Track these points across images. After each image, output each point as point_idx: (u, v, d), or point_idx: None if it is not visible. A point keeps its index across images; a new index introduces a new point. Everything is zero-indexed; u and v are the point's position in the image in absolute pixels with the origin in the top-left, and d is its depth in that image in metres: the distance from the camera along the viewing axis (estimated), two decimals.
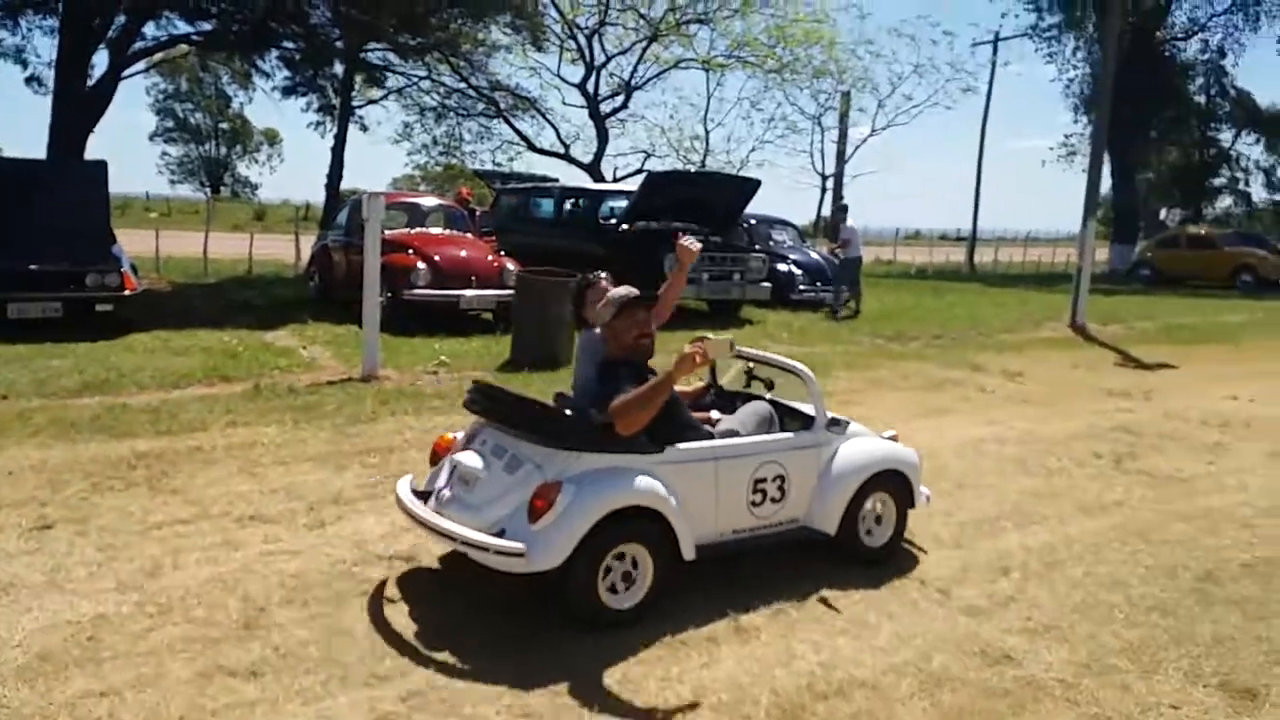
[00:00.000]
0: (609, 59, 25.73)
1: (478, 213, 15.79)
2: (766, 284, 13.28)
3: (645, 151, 27.77)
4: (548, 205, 14.98)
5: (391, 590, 3.87)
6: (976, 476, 5.91)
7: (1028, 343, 12.38)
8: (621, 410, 3.50)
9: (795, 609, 3.84)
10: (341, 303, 11.03)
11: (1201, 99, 40.09)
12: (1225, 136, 42.98)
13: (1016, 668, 3.46)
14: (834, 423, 4.27)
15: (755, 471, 3.92)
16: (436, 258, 10.70)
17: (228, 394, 7.13)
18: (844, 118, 28.45)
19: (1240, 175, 44.60)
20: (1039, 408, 8.17)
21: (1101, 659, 3.55)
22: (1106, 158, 33.99)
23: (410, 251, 10.81)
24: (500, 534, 3.42)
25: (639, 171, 26.42)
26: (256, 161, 74.86)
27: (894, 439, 4.57)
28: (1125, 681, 3.39)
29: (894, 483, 4.34)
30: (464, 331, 10.27)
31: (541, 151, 26.63)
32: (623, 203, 13.46)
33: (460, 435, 4.06)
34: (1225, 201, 46.69)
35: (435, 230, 12.23)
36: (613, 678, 3.23)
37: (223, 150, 73.38)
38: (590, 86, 25.39)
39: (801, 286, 14.76)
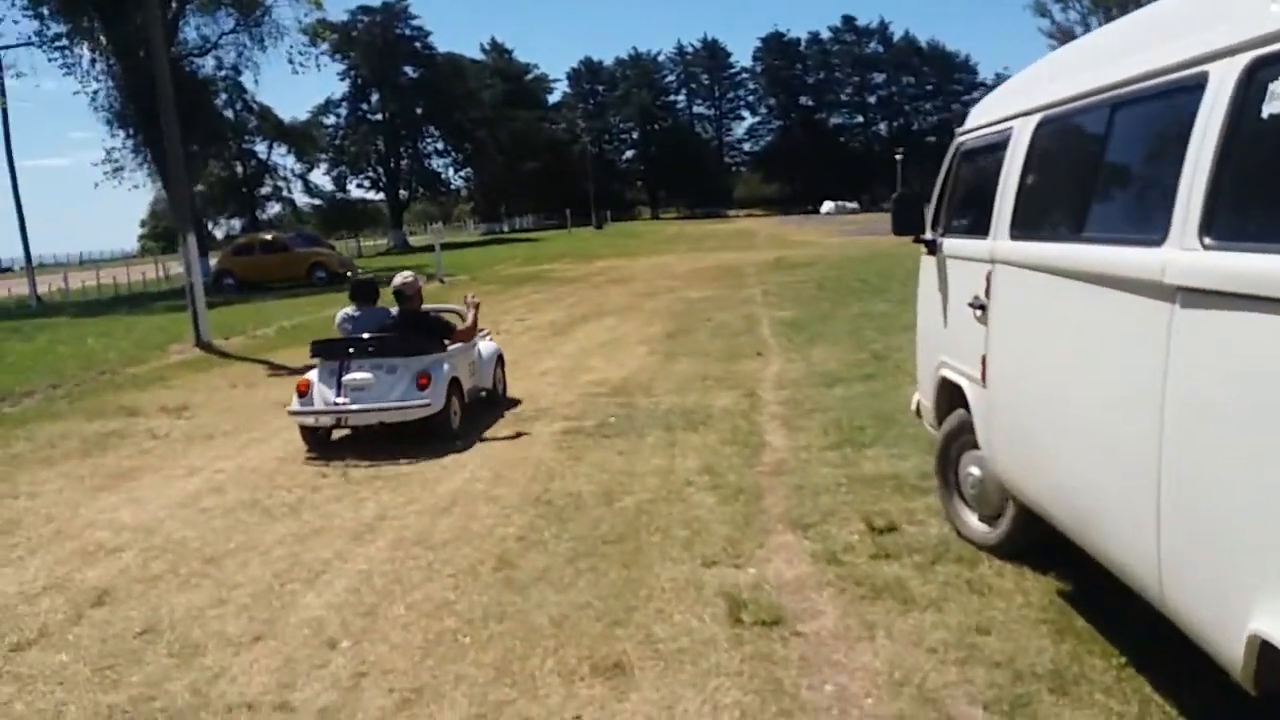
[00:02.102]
0: None
1: None
2: None
3: None
4: None
5: None
6: (225, 543, 4.94)
7: (165, 372, 11.19)
8: (466, 334, 7.49)
9: None
10: None
11: (230, 114, 42.14)
12: (261, 149, 46.66)
13: None
14: (481, 333, 8.09)
15: (469, 359, 7.57)
16: None
17: None
18: None
19: (282, 184, 49.26)
20: (228, 439, 7.38)
21: (484, 699, 3.25)
22: (157, 172, 33.23)
23: None
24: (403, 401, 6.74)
25: None
26: None
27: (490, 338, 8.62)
28: (520, 711, 3.16)
29: (500, 362, 8.36)
30: None
31: None
32: None
33: (314, 375, 6.93)
34: (275, 208, 50.99)
35: None
36: None
37: None
38: None
39: None
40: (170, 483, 6.17)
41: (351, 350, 6.87)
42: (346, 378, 6.74)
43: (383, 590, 4.21)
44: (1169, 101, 2.62)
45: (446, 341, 7.26)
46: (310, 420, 6.84)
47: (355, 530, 5.03)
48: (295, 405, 6.86)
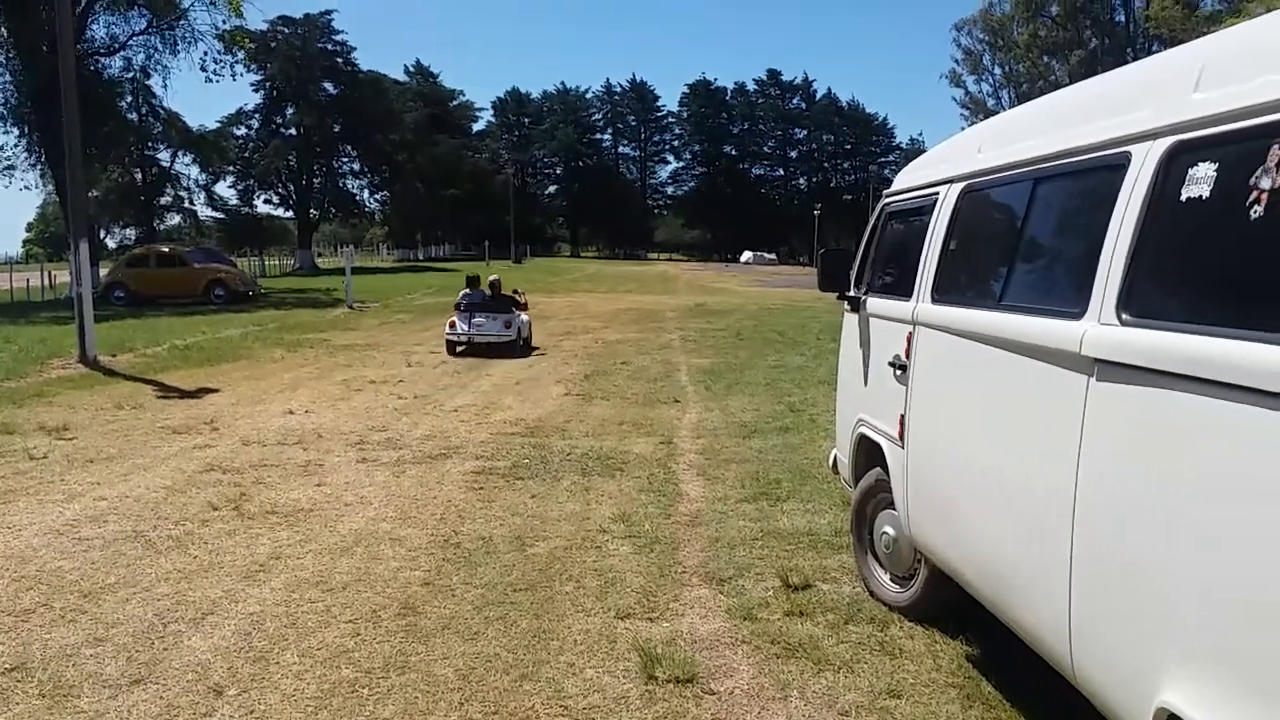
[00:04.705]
0: None
1: None
2: None
3: None
4: None
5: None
6: (105, 577, 4.59)
7: (45, 388, 10.47)
8: (523, 308, 14.89)
9: None
10: None
11: (134, 117, 40.37)
12: (164, 156, 44.65)
13: None
14: (523, 307, 15.11)
15: (522, 319, 14.63)
16: None
17: None
18: None
19: (184, 194, 47.19)
20: (111, 464, 6.91)
21: None
22: (50, 174, 31.51)
23: None
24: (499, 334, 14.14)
25: None
26: None
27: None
28: None
29: (529, 325, 15.10)
30: None
31: None
32: None
33: (458, 318, 14.04)
34: (175, 219, 48.84)
35: None
36: None
37: None
38: None
39: None
40: (46, 508, 5.73)
41: (469, 309, 14.08)
42: (473, 320, 13.90)
43: (275, 635, 3.96)
44: (1091, 179, 2.71)
45: (514, 309, 14.32)
46: (455, 339, 13.81)
47: (247, 569, 4.74)
48: (447, 332, 13.98)
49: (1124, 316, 2.34)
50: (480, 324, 13.88)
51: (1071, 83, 3.80)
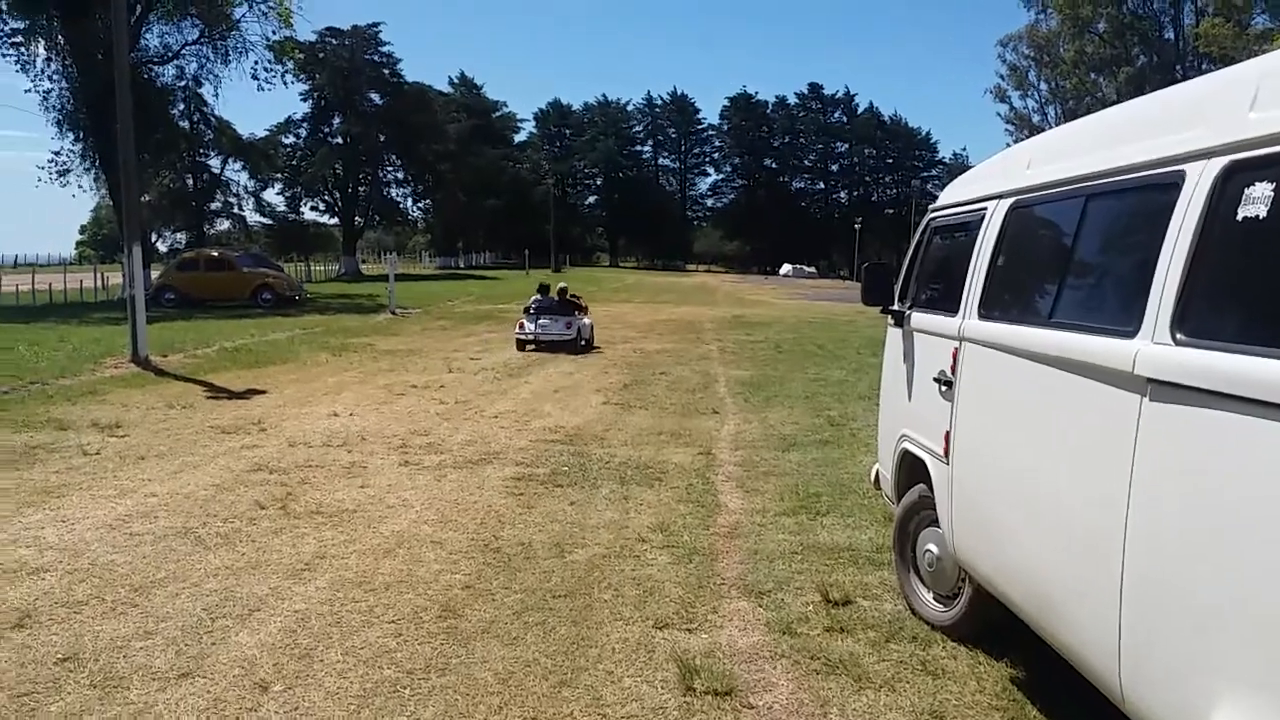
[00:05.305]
0: None
1: None
2: None
3: None
4: None
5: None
6: (155, 571, 4.70)
7: (99, 386, 10.75)
8: (583, 311, 16.56)
9: None
10: None
11: (186, 125, 41.39)
12: (215, 163, 45.75)
13: None
14: (585, 311, 16.93)
15: (583, 322, 16.35)
16: None
17: None
18: None
19: (234, 200, 48.26)
20: (162, 461, 7.08)
21: None
22: (104, 179, 32.42)
23: None
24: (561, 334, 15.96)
25: None
26: None
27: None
28: None
29: (591, 328, 16.84)
30: None
31: None
32: None
33: (526, 320, 16.02)
34: (224, 225, 49.90)
35: None
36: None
37: None
38: None
39: None
40: (99, 503, 5.88)
41: (537, 311, 15.90)
42: (539, 322, 15.67)
43: (320, 633, 4.03)
44: (1144, 197, 2.68)
45: (576, 312, 15.98)
46: (524, 337, 15.62)
47: (293, 567, 4.83)
48: (517, 332, 15.86)
49: (1178, 336, 2.31)
50: (545, 325, 15.65)
51: (1119, 100, 3.78)
